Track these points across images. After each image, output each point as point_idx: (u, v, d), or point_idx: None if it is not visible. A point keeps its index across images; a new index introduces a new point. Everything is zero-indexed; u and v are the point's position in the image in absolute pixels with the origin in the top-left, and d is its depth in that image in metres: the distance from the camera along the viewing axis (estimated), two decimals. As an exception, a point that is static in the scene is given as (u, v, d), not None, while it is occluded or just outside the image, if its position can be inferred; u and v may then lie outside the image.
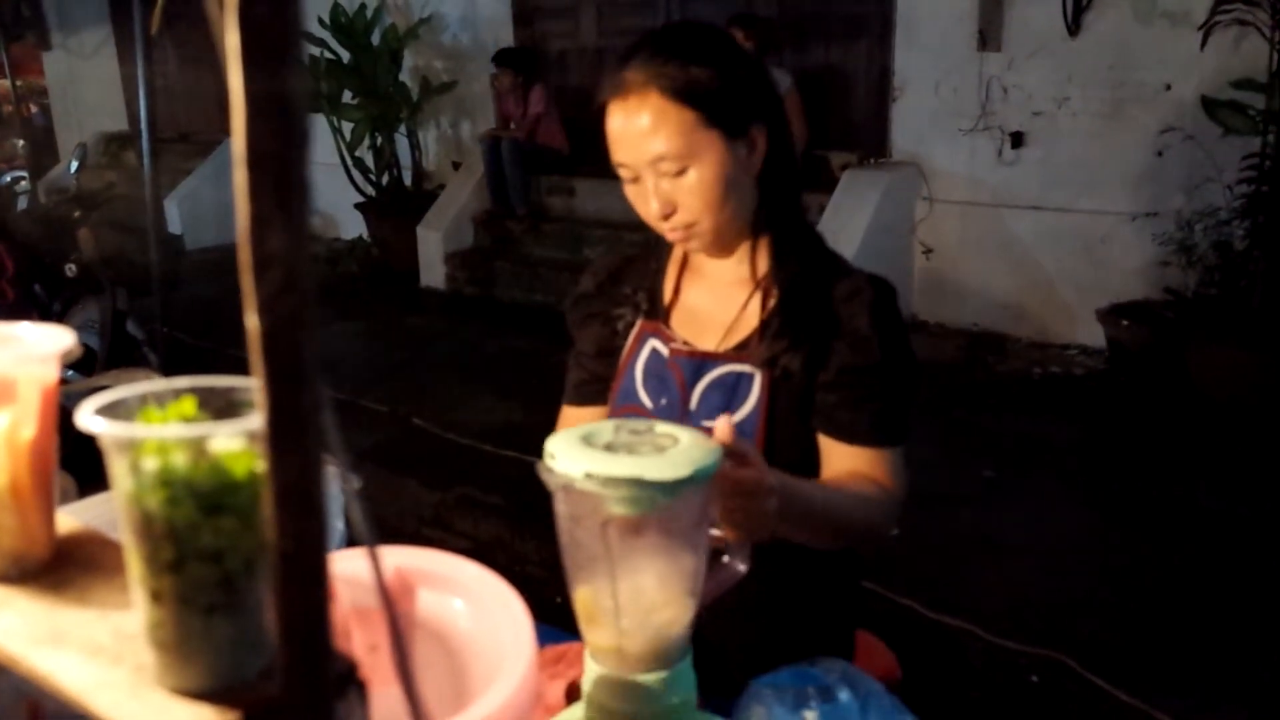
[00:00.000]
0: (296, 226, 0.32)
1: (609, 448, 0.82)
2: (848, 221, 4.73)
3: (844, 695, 0.84)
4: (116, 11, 8.90)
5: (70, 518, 0.63)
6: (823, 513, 1.05)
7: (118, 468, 0.46)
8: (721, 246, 1.19)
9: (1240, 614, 2.59)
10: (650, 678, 0.85)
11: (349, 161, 6.68)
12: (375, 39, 6.53)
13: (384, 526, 3.14)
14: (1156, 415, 3.92)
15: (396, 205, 6.75)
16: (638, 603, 0.85)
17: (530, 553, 2.98)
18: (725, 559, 0.94)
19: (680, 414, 1.17)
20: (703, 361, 1.17)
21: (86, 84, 9.55)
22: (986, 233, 4.94)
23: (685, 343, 1.20)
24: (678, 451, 0.81)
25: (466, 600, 0.82)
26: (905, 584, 2.69)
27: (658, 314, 1.24)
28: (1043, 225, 4.78)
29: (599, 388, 1.28)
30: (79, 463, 1.03)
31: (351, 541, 1.09)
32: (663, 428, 0.86)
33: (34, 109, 9.71)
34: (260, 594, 0.47)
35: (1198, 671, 2.36)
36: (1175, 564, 2.85)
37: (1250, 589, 2.70)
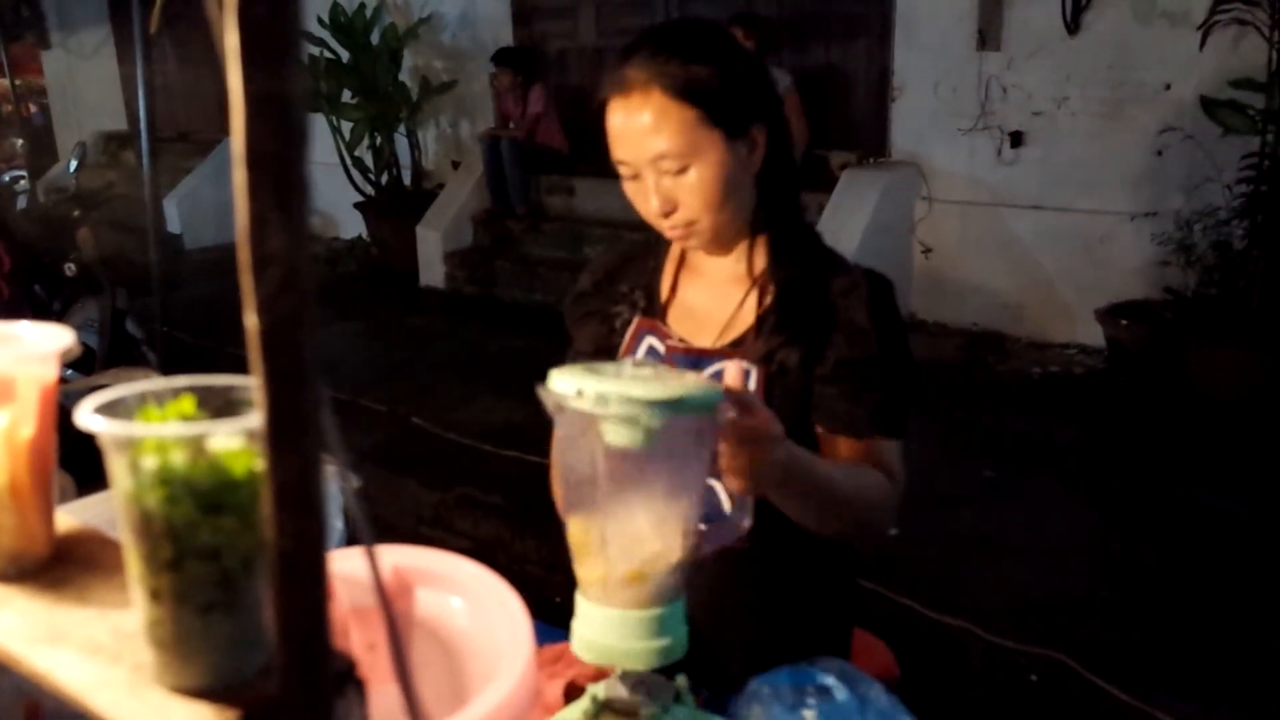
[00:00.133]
0: (296, 226, 0.32)
1: (618, 377, 0.82)
2: (847, 221, 4.73)
3: (842, 694, 0.85)
4: (116, 11, 8.89)
5: (69, 516, 0.63)
6: (826, 485, 1.03)
7: (117, 466, 0.46)
8: (720, 244, 1.19)
9: (1240, 614, 2.59)
10: (638, 614, 0.84)
11: (348, 161, 6.68)
12: (375, 38, 6.53)
13: (383, 526, 3.14)
14: (1156, 415, 3.92)
15: (396, 205, 6.75)
16: (626, 533, 0.84)
17: (530, 552, 2.98)
18: (729, 512, 0.94)
19: None
20: (698, 358, 1.17)
21: (86, 83, 9.54)
22: (986, 232, 4.94)
23: (681, 340, 1.20)
24: (677, 384, 0.82)
25: (465, 599, 0.82)
26: (905, 583, 2.69)
27: (655, 311, 1.24)
28: (1042, 225, 4.78)
29: None
30: (78, 461, 1.03)
31: (351, 540, 1.09)
32: (671, 371, 0.86)
33: (33, 108, 9.71)
34: (259, 593, 0.47)
35: (1198, 671, 2.36)
36: (1175, 564, 2.85)
37: (1250, 588, 2.70)
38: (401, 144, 6.79)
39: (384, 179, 6.83)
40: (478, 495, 3.42)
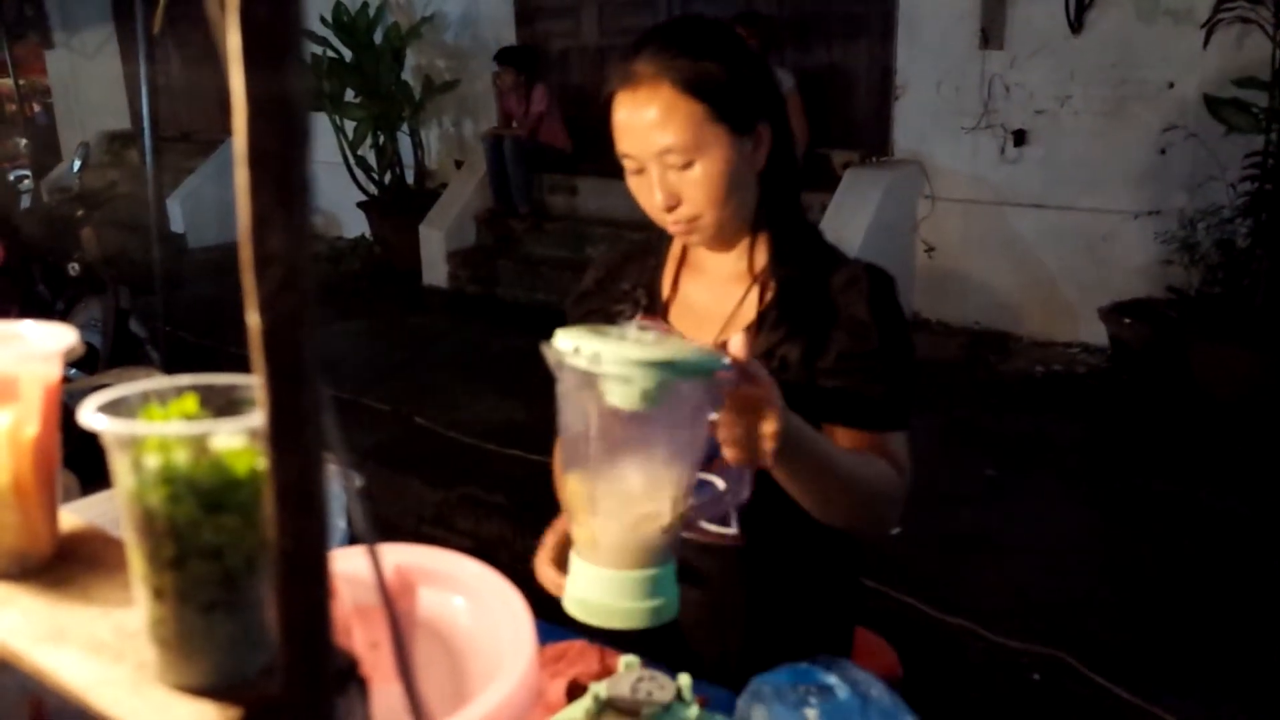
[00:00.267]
0: (297, 225, 0.32)
1: (621, 339, 0.83)
2: (850, 220, 4.73)
3: (844, 693, 0.85)
4: (119, 10, 8.90)
5: (73, 515, 0.63)
6: (830, 464, 1.02)
7: (120, 465, 0.46)
8: (722, 241, 1.20)
9: (1242, 613, 2.59)
10: (629, 574, 0.85)
11: (351, 160, 6.68)
12: (377, 38, 6.53)
13: (386, 525, 3.15)
14: (1159, 414, 3.91)
15: (399, 204, 6.75)
16: (617, 492, 0.85)
17: (532, 551, 2.98)
18: (726, 484, 0.94)
19: None
20: None
21: (89, 83, 9.55)
22: (989, 231, 4.94)
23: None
24: (677, 348, 0.82)
25: (467, 598, 0.83)
26: (907, 582, 2.69)
27: (656, 309, 1.25)
28: (1045, 223, 4.77)
29: None
30: (82, 460, 1.03)
31: (353, 540, 1.10)
32: (674, 337, 0.87)
33: (37, 108, 9.72)
34: (261, 591, 0.48)
35: (1199, 670, 2.36)
36: (1177, 563, 2.85)
37: (1252, 588, 2.70)
38: (404, 143, 6.79)
39: (387, 178, 6.84)
40: (480, 494, 3.42)
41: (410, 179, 6.88)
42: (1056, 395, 4.24)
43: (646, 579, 0.86)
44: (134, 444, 0.46)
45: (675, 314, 1.24)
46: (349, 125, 6.63)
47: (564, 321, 1.35)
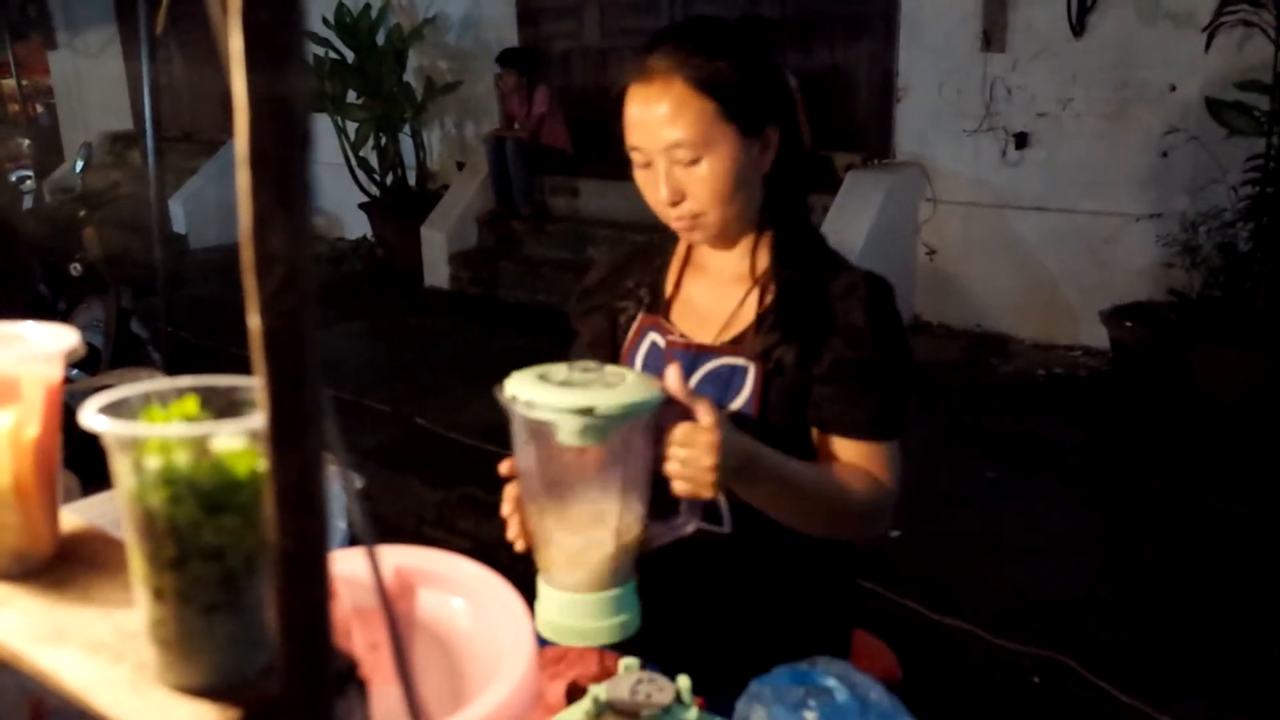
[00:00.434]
0: (298, 226, 0.32)
1: (564, 383, 0.90)
2: (851, 222, 4.73)
3: (843, 696, 0.85)
4: (122, 11, 8.91)
5: (73, 516, 0.63)
6: (793, 486, 1.06)
7: (120, 466, 0.46)
8: (724, 240, 1.20)
9: (1243, 615, 2.58)
10: (587, 596, 0.93)
11: (353, 161, 6.69)
12: (380, 39, 6.54)
13: (386, 526, 3.15)
14: (1160, 417, 3.91)
15: (401, 205, 6.76)
16: (562, 522, 0.93)
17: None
18: (679, 515, 1.00)
19: None
20: (698, 354, 1.18)
21: (92, 83, 9.57)
22: (990, 233, 4.93)
23: (682, 335, 1.21)
24: (613, 388, 0.88)
25: (466, 599, 0.83)
26: (907, 584, 2.69)
27: (658, 307, 1.25)
28: (1046, 226, 4.77)
29: None
30: (83, 461, 1.03)
31: (353, 541, 1.10)
32: (614, 370, 0.93)
33: (39, 108, 9.75)
34: (261, 592, 0.48)
35: (1201, 673, 2.36)
36: (1178, 565, 2.84)
37: (1253, 590, 2.69)
38: (406, 144, 6.80)
39: (389, 179, 6.84)
40: (480, 495, 3.42)
41: (412, 180, 6.89)
42: (1057, 398, 4.24)
43: (604, 600, 0.93)
44: (135, 445, 0.46)
45: (677, 313, 1.24)
46: (351, 126, 6.64)
47: (565, 321, 1.36)
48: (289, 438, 0.33)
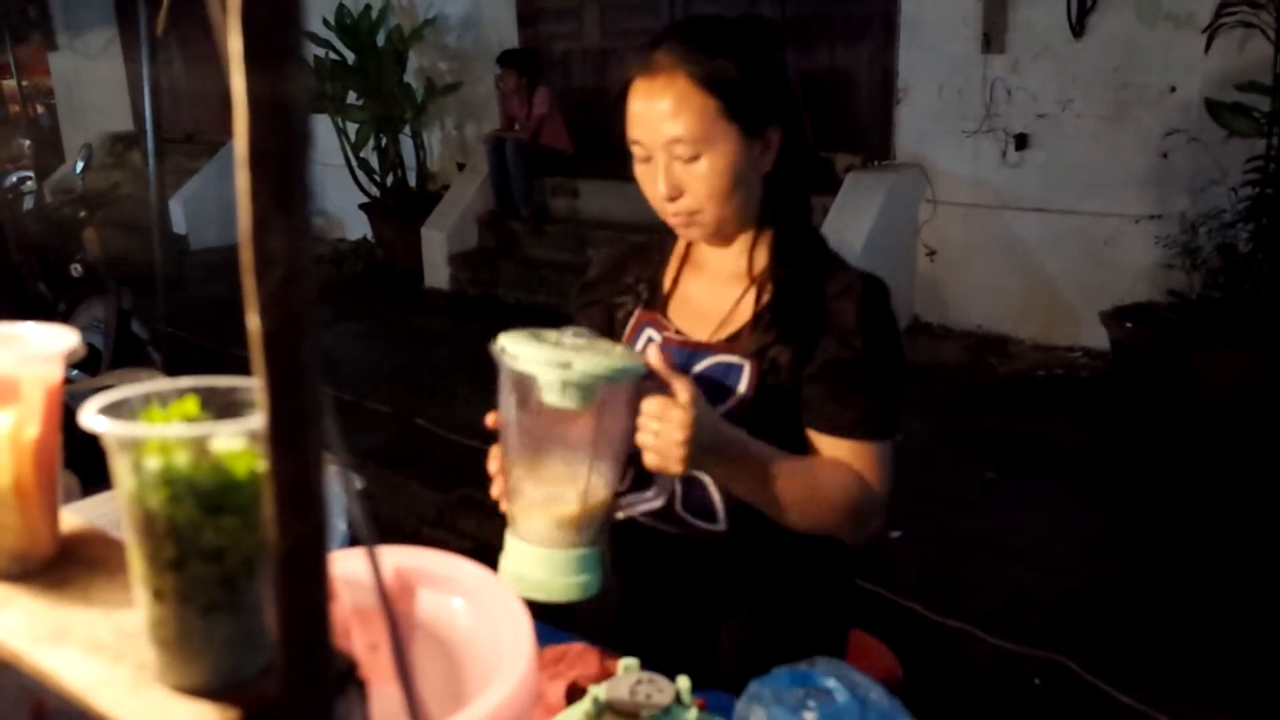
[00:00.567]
0: (297, 227, 0.32)
1: (555, 344, 0.94)
2: (852, 223, 4.73)
3: (843, 697, 0.85)
4: (122, 12, 8.92)
5: (74, 516, 0.63)
6: (777, 475, 1.07)
7: (120, 467, 0.46)
8: (721, 238, 1.21)
9: (1244, 616, 2.58)
10: (552, 552, 0.96)
11: (354, 162, 6.69)
12: (380, 40, 6.54)
13: (387, 527, 3.15)
14: (1160, 417, 3.91)
15: (401, 206, 6.76)
16: (532, 477, 0.97)
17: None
18: (655, 487, 1.05)
19: None
20: (694, 351, 1.18)
21: (92, 84, 9.57)
22: (990, 234, 4.94)
23: (678, 332, 1.21)
24: (601, 354, 0.92)
25: (466, 600, 0.83)
26: (907, 585, 2.69)
27: (656, 303, 1.26)
28: (1047, 227, 4.77)
29: None
30: (83, 461, 1.03)
31: (353, 541, 1.10)
32: (607, 343, 0.98)
33: (40, 109, 9.75)
34: (261, 593, 0.48)
35: (1202, 674, 2.36)
36: (1179, 566, 2.84)
37: (1254, 591, 2.69)
38: (407, 145, 6.80)
39: (389, 180, 6.84)
40: (480, 496, 3.40)
41: (412, 181, 6.89)
42: (1058, 398, 4.24)
43: (567, 558, 0.96)
44: (134, 446, 0.46)
45: (674, 308, 1.25)
46: (351, 127, 6.64)
47: (565, 322, 1.37)
48: (288, 438, 0.34)
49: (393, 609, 0.44)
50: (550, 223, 6.20)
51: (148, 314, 3.62)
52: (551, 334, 0.97)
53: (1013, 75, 4.71)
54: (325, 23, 6.44)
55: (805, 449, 1.15)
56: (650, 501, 1.04)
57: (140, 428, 0.46)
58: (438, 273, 6.39)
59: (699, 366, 1.17)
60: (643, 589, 1.27)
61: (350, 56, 6.51)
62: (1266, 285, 3.84)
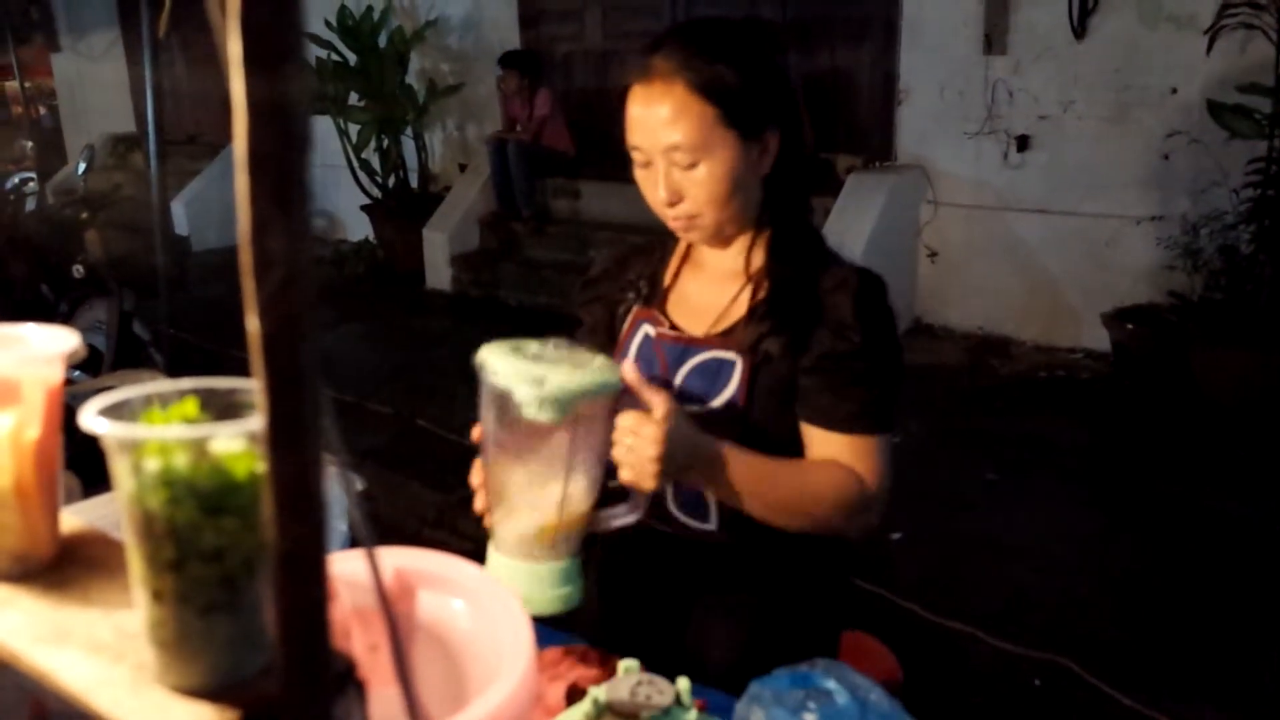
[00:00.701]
0: (297, 229, 0.32)
1: (535, 357, 0.95)
2: (853, 224, 4.73)
3: (843, 698, 0.85)
4: (125, 14, 8.93)
5: (74, 517, 0.63)
6: (763, 484, 1.07)
7: (120, 468, 0.46)
8: (722, 239, 1.22)
9: (1245, 618, 2.58)
10: (531, 565, 0.98)
11: (355, 163, 6.69)
12: (382, 41, 6.54)
13: (386, 528, 3.15)
14: (1161, 419, 3.91)
15: (402, 207, 6.76)
16: (510, 490, 0.98)
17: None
18: (627, 502, 1.05)
19: None
20: (687, 346, 1.19)
21: (94, 86, 9.58)
22: (992, 236, 4.93)
23: (674, 327, 1.22)
24: (577, 369, 0.93)
25: (466, 601, 0.83)
26: (907, 586, 2.69)
27: (655, 300, 1.27)
28: (1048, 229, 4.77)
29: None
30: (84, 462, 1.03)
31: (353, 542, 1.10)
32: (586, 354, 0.99)
33: (42, 110, 9.76)
34: (260, 593, 0.48)
35: (1203, 675, 2.36)
36: (1180, 567, 2.84)
37: (1255, 592, 2.69)
38: (408, 146, 6.80)
39: (391, 181, 6.84)
40: (482, 497, 3.42)
41: (414, 182, 6.89)
42: (1059, 400, 4.24)
43: (549, 571, 0.97)
44: (134, 447, 0.46)
45: (672, 306, 1.26)
46: (353, 129, 6.65)
47: (567, 323, 1.37)
48: (288, 440, 0.34)
49: (392, 610, 0.44)
50: (552, 224, 6.21)
51: (149, 315, 3.62)
52: (533, 345, 0.98)
53: (1014, 76, 4.71)
54: (327, 24, 6.44)
55: (799, 443, 1.15)
56: (624, 517, 1.04)
57: (140, 429, 0.46)
58: (439, 274, 6.40)
59: (692, 361, 1.18)
60: (637, 587, 1.27)
61: (352, 58, 6.51)
62: (1268, 287, 3.84)
